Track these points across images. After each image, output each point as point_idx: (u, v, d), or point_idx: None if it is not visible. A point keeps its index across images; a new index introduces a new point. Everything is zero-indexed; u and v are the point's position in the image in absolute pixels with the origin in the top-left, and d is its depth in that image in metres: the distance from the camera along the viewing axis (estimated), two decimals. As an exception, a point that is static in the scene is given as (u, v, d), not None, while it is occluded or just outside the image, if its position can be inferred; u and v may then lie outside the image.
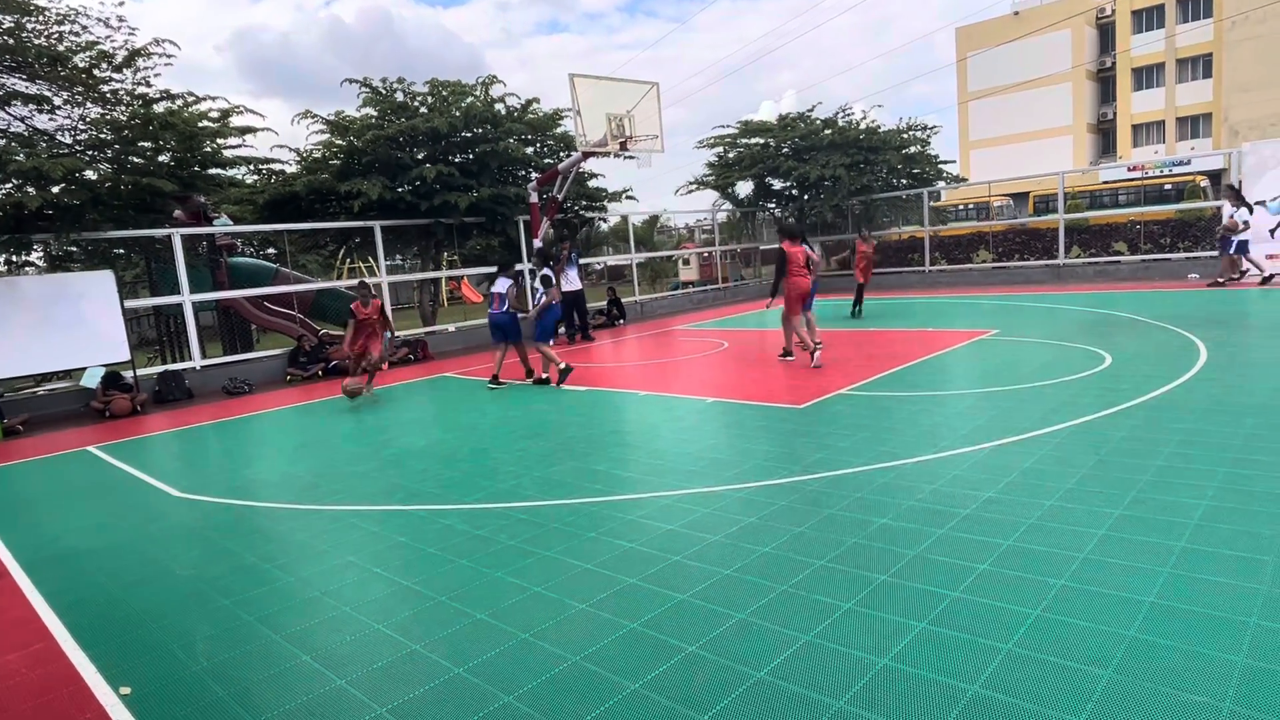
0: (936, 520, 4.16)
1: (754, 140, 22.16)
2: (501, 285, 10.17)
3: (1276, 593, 3.10)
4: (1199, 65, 42.88)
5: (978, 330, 11.00)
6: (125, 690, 3.17)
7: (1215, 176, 34.87)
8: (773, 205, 23.78)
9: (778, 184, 22.74)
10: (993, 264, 19.64)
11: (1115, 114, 46.53)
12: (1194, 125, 44.05)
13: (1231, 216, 14.74)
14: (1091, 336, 9.70)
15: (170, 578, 4.40)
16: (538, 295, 10.15)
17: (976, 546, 3.78)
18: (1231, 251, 14.75)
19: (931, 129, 22.19)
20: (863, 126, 21.58)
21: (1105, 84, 47.55)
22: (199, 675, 3.24)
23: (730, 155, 22.48)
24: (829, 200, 20.97)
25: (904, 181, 22.26)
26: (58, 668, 3.44)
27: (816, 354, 9.27)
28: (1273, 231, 15.05)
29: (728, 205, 23.89)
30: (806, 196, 21.82)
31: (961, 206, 31.92)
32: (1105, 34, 46.92)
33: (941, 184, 23.00)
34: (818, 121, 21.75)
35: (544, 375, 10.06)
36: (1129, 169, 39.58)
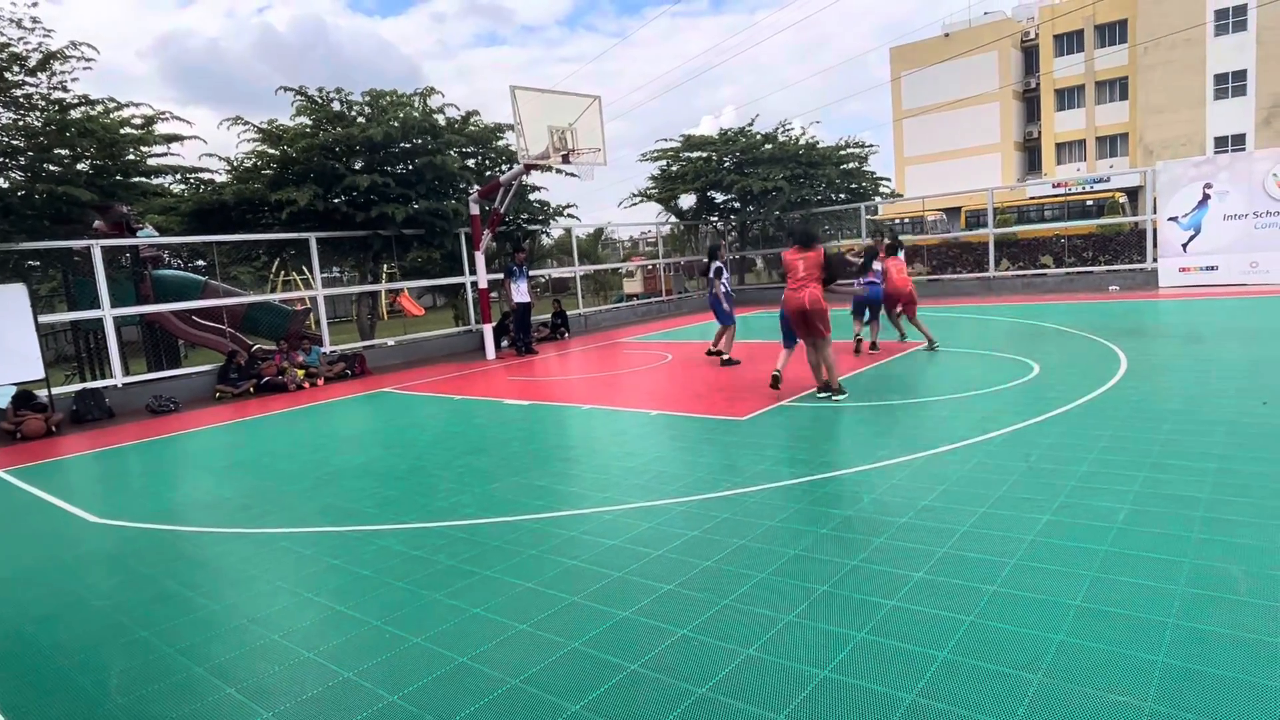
0: (874, 529, 4.22)
1: (696, 154, 22.40)
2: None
3: (1192, 593, 3.23)
4: (1116, 88, 45.22)
5: (913, 342, 11.28)
6: (29, 733, 2.97)
7: (1133, 193, 36.79)
8: (715, 218, 24.06)
9: (720, 197, 23.03)
10: (928, 277, 20.22)
11: (1040, 133, 48.65)
12: (1112, 144, 46.37)
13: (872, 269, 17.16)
14: (1021, 346, 10.05)
15: (84, 609, 4.15)
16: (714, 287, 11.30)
17: (913, 555, 3.84)
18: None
19: (869, 148, 22.81)
20: (802, 142, 22.02)
21: (1030, 104, 49.70)
22: (113, 714, 3.06)
23: (673, 169, 22.67)
24: (770, 212, 21.33)
25: (842, 196, 22.80)
26: (-46, 711, 3.20)
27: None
28: (1184, 245, 15.89)
29: (672, 218, 24.08)
30: (750, 209, 22.14)
31: (897, 221, 32.88)
32: (1030, 56, 49.09)
33: (878, 199, 23.62)
34: (758, 136, 22.12)
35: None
36: (1053, 185, 41.46)
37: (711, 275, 11.19)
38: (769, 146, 21.55)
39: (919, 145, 51.03)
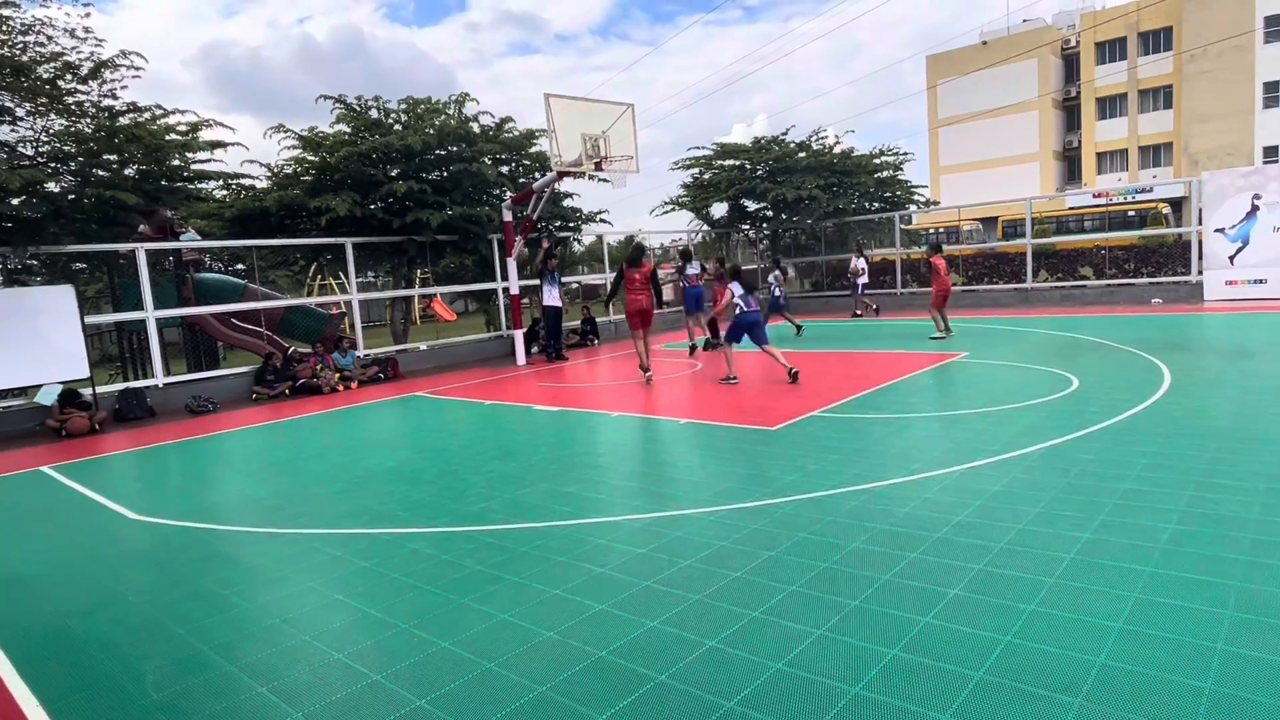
0: (908, 544, 4.14)
1: (729, 162, 22.37)
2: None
3: (1241, 618, 3.11)
4: (1159, 96, 44.27)
5: (948, 353, 11.11)
6: (67, 726, 3.03)
7: (1176, 204, 35.91)
8: (747, 226, 23.98)
9: (752, 205, 22.96)
10: (962, 287, 19.91)
11: (1080, 142, 47.79)
12: (1155, 154, 45.38)
13: (855, 264, 19.07)
14: (1059, 360, 9.84)
15: (122, 605, 4.24)
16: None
17: (948, 571, 3.76)
18: (859, 292, 19.02)
19: (905, 155, 22.58)
20: (836, 150, 21.88)
21: (1070, 112, 48.87)
22: (148, 709, 3.11)
23: (706, 176, 22.65)
24: (803, 220, 21.21)
25: (876, 205, 22.59)
26: (-3, 702, 3.28)
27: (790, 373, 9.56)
28: (1231, 258, 15.46)
29: (704, 226, 24.05)
30: (783, 217, 22.04)
31: (932, 230, 32.47)
32: (1070, 64, 48.28)
33: (913, 207, 23.37)
34: (792, 144, 22.02)
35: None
36: (1094, 195, 40.62)
37: (689, 273, 14.33)
38: (803, 155, 21.44)
39: (954, 154, 50.42)
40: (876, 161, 22.19)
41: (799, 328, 15.47)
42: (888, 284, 21.13)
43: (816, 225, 21.82)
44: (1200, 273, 16.10)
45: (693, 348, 13.49)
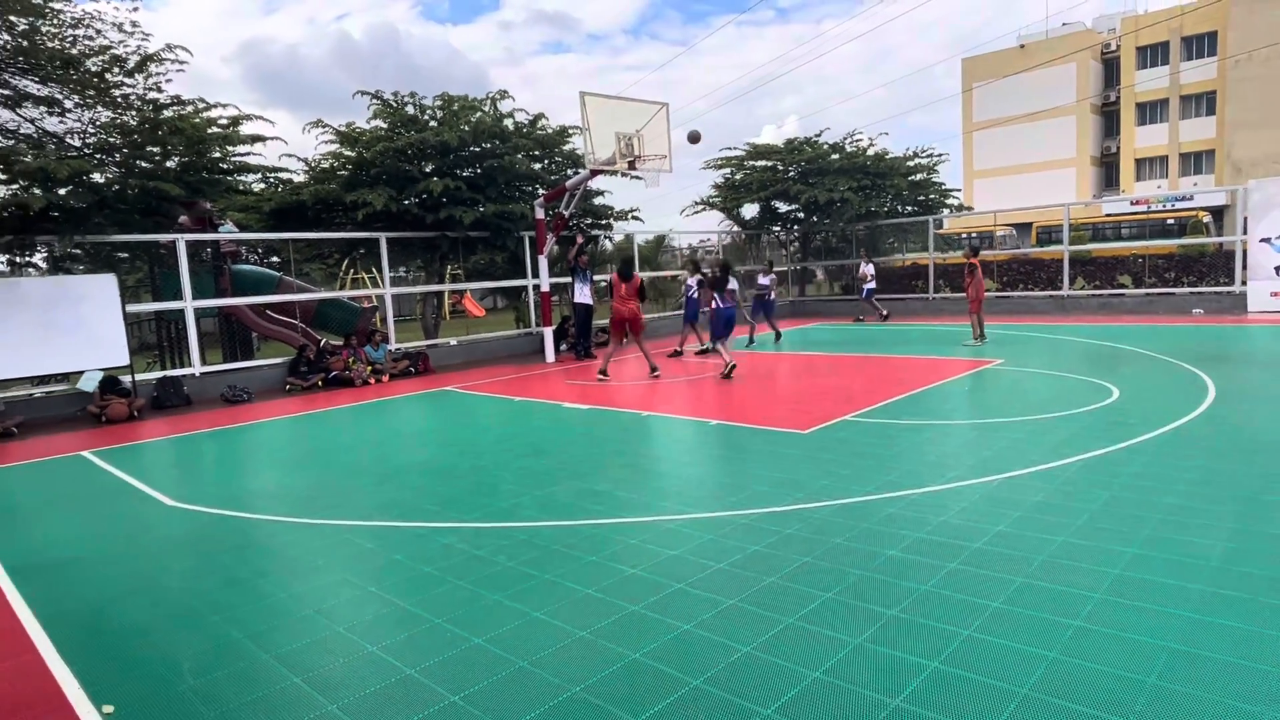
0: (946, 554, 4.06)
1: (761, 163, 22.24)
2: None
3: (1300, 641, 3.00)
4: (1202, 102, 43.25)
5: (982, 360, 10.93)
6: (108, 709, 3.07)
7: (1218, 212, 35.05)
8: (777, 228, 23.83)
9: (784, 206, 22.80)
10: (996, 293, 19.60)
11: (1119, 148, 46.86)
12: (1197, 161, 44.35)
13: (863, 269, 18.98)
14: (1098, 369, 9.64)
15: (160, 591, 4.30)
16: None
17: (988, 583, 3.68)
18: (865, 297, 18.97)
19: (939, 156, 22.29)
20: (870, 152, 21.66)
21: (1109, 118, 47.93)
22: (185, 695, 3.14)
23: (738, 177, 22.54)
24: (835, 223, 21.03)
25: (910, 208, 22.33)
26: (39, 683, 3.33)
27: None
28: (1277, 269, 15.04)
29: (734, 227, 23.94)
30: (815, 219, 21.88)
31: (964, 235, 32.02)
32: (1110, 68, 47.36)
33: (946, 211, 23.06)
34: (825, 146, 21.84)
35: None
36: (1132, 202, 39.80)
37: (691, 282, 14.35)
38: (836, 157, 21.25)
39: (989, 159, 49.69)
40: (910, 164, 21.93)
41: (778, 334, 15.39)
42: (920, 288, 20.87)
43: (847, 228, 21.62)
44: (1244, 283, 15.68)
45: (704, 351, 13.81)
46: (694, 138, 13.32)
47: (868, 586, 3.73)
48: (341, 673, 3.24)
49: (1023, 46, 48.15)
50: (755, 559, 4.17)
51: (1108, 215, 35.59)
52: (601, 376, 11.27)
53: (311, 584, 4.25)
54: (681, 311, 15.09)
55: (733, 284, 11.51)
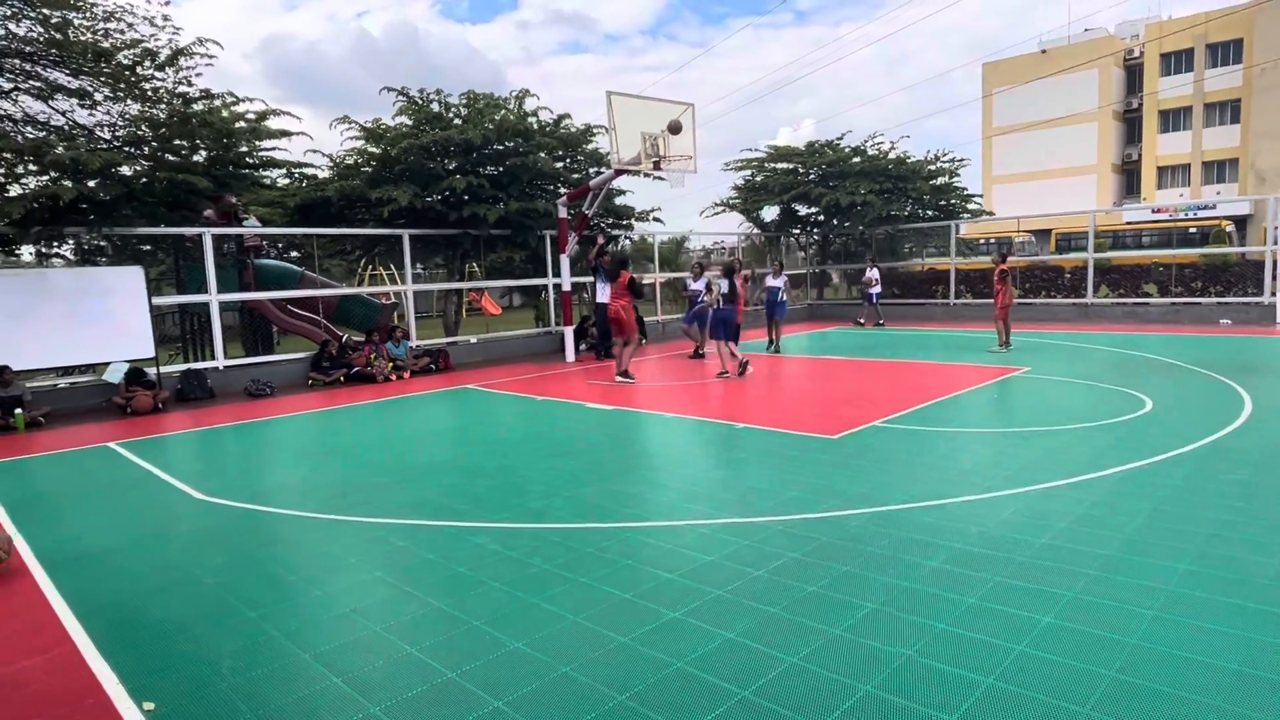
0: (990, 566, 3.99)
1: (782, 165, 22.14)
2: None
3: (1368, 666, 2.91)
4: (1227, 110, 42.75)
5: (1008, 367, 10.81)
6: (149, 706, 3.04)
7: (1241, 222, 34.62)
8: (797, 230, 23.72)
9: (803, 209, 22.69)
10: (1019, 300, 19.43)
11: (1140, 155, 46.38)
12: (1220, 170, 43.83)
13: (868, 274, 18.82)
14: (1127, 379, 9.50)
15: (194, 585, 4.28)
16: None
17: (1037, 597, 3.61)
18: (872, 302, 18.79)
19: (960, 160, 22.13)
20: (891, 156, 21.53)
21: (1131, 125, 47.45)
22: (225, 693, 3.11)
23: (758, 179, 22.45)
24: (856, 226, 20.93)
25: (930, 213, 22.18)
26: (79, 677, 3.31)
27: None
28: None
29: (754, 229, 23.85)
30: (835, 222, 21.77)
31: (983, 240, 31.73)
32: (1133, 75, 46.89)
33: (967, 216, 22.89)
34: (846, 149, 21.72)
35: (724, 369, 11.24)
36: (1153, 210, 39.36)
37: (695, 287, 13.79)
38: (857, 160, 21.14)
39: (1008, 164, 49.28)
40: (932, 167, 21.78)
41: (771, 342, 14.34)
42: (940, 294, 20.72)
43: (867, 231, 21.51)
44: (1274, 294, 15.47)
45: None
46: (675, 128, 13.04)
47: (913, 598, 3.66)
48: (382, 674, 3.20)
49: (1044, 52, 47.75)
50: (794, 566, 4.11)
51: (1128, 223, 35.25)
52: (622, 378, 11.09)
53: (345, 582, 4.23)
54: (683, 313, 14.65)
55: (724, 286, 11.11)
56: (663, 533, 4.76)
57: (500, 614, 3.71)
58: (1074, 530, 4.44)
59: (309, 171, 14.87)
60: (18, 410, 9.42)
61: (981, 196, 25.05)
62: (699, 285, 13.71)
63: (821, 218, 22.34)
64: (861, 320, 19.05)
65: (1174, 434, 6.59)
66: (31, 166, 10.14)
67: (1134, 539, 4.27)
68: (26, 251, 12.02)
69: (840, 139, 22.02)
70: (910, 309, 20.91)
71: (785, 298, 14.65)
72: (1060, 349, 12.87)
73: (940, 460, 6.19)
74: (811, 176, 21.45)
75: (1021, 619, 3.40)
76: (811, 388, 10.36)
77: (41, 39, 9.92)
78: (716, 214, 23.34)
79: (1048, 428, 7.09)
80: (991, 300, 13.30)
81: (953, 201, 22.20)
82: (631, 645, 3.34)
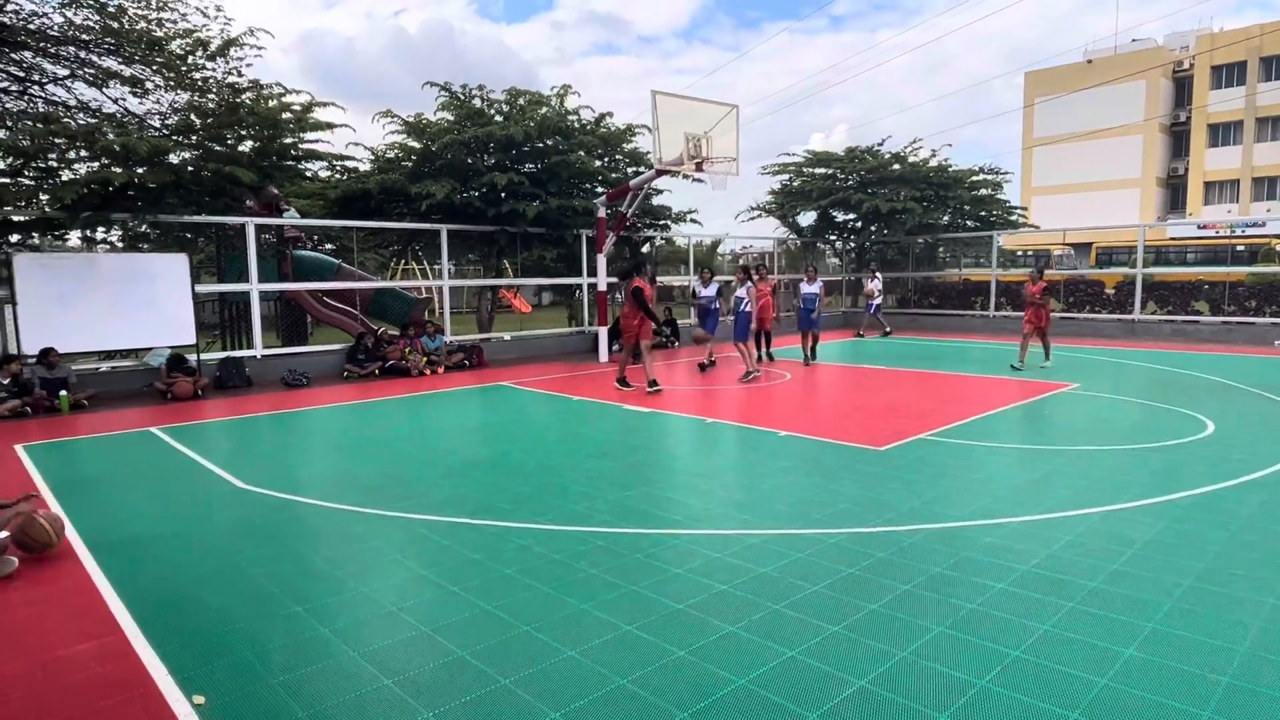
0: (1060, 591, 3.80)
1: (820, 170, 21.90)
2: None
3: None
4: (1280, 126, 41.61)
5: (1057, 383, 10.51)
6: (199, 700, 2.98)
7: (1293, 240, 33.57)
8: (833, 236, 23.46)
9: (841, 216, 22.43)
10: (1060, 314, 19.03)
11: (1187, 169, 45.32)
12: (1270, 186, 42.70)
13: (868, 286, 18.76)
14: (1183, 398, 9.19)
15: (238, 575, 4.23)
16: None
17: (1114, 627, 3.42)
18: (872, 312, 18.72)
19: (1004, 174, 21.75)
20: (933, 164, 21.20)
21: (1178, 138, 46.41)
22: (276, 690, 3.04)
23: (795, 184, 22.23)
24: (894, 234, 20.64)
25: (970, 223, 21.81)
26: (127, 665, 3.26)
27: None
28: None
29: (790, 234, 23.62)
30: (873, 229, 21.48)
31: (1021, 253, 31.14)
32: (1181, 88, 45.88)
33: (1009, 229, 22.48)
34: (886, 155, 21.43)
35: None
36: (1199, 226, 38.39)
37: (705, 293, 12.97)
38: (896, 167, 20.84)
39: (1048, 175, 48.40)
40: (975, 179, 21.42)
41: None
42: (980, 305, 20.35)
43: (905, 240, 21.19)
44: (1332, 316, 14.94)
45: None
46: None
47: (980, 621, 3.50)
48: (434, 677, 3.11)
49: (1090, 61, 46.87)
50: (852, 583, 3.96)
51: (1172, 239, 34.38)
52: (651, 388, 10.23)
53: (391, 579, 4.15)
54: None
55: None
56: (711, 541, 4.63)
57: (551, 620, 3.61)
58: (1147, 556, 4.24)
59: (350, 165, 14.95)
60: (63, 392, 9.53)
61: (1025, 209, 24.59)
62: (709, 291, 12.82)
63: (859, 224, 22.06)
64: (861, 332, 18.66)
65: (1242, 458, 6.32)
66: (83, 152, 10.27)
67: (1213, 568, 4.06)
68: (74, 237, 12.20)
69: (880, 144, 21.74)
70: (947, 320, 20.56)
71: (820, 305, 13.77)
72: (1106, 365, 12.52)
73: (995, 477, 5.99)
74: (850, 182, 21.19)
75: (1102, 650, 3.22)
76: (852, 397, 10.16)
77: (97, 26, 10.04)
78: (753, 218, 23.17)
79: (1105, 447, 6.85)
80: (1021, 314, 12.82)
81: (995, 213, 21.82)
82: (689, 659, 3.22)
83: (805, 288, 13.58)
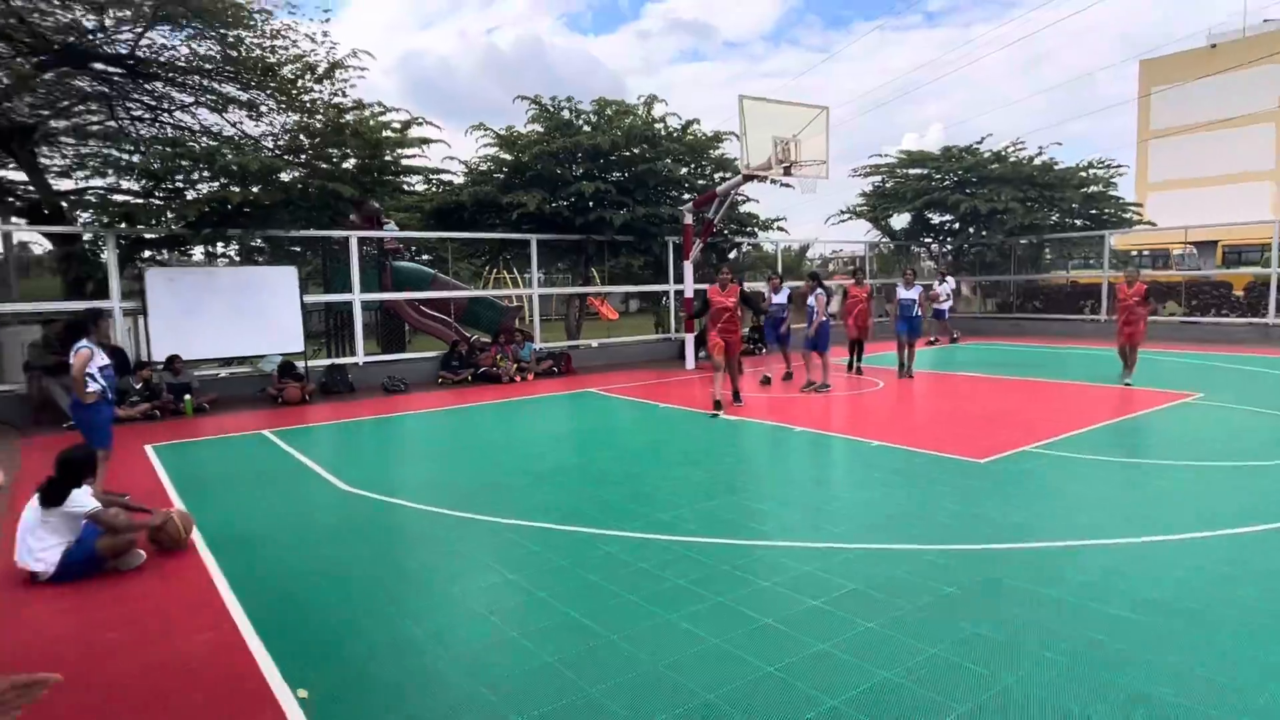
0: (1188, 619, 3.51)
1: (914, 171, 21.19)
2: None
3: None
4: None
5: (1179, 392, 9.77)
6: (303, 694, 3.11)
7: None
8: (929, 239, 22.64)
9: (936, 218, 21.63)
10: (1181, 318, 17.71)
11: (1327, 160, 41.42)
12: None
13: (934, 290, 17.29)
14: (1328, 411, 8.37)
15: (343, 576, 4.41)
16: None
17: (1253, 663, 3.12)
18: (938, 318, 17.35)
19: (1118, 168, 20.46)
20: (1037, 162, 20.16)
21: (1317, 126, 42.47)
22: (374, 689, 3.14)
23: (888, 185, 21.59)
24: (994, 235, 19.72)
25: (1079, 222, 20.62)
26: (239, 657, 3.44)
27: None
28: None
29: (882, 238, 22.96)
30: (971, 231, 20.61)
31: (1135, 253, 29.20)
32: (1321, 71, 41.98)
33: (1123, 228, 21.11)
34: (985, 154, 20.54)
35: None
36: (1342, 222, 35.03)
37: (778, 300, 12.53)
38: (996, 166, 19.93)
39: (1165, 170, 45.20)
40: (1083, 175, 20.23)
41: (902, 366, 12.20)
42: (1090, 309, 19.19)
43: (1007, 241, 20.21)
44: None
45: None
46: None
47: (1099, 652, 3.25)
48: (523, 683, 3.14)
49: (1214, 46, 43.60)
50: (953, 603, 3.77)
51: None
52: (736, 402, 9.80)
53: (481, 582, 4.23)
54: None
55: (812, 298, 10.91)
56: (801, 554, 4.51)
57: (638, 629, 3.58)
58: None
59: (445, 178, 15.48)
60: (187, 396, 10.24)
61: (1140, 206, 23.06)
62: (780, 298, 12.34)
63: (956, 226, 21.20)
64: (933, 339, 17.62)
65: (1399, 478, 5.69)
66: (205, 173, 11.03)
67: (1368, 601, 3.65)
68: (197, 252, 13.10)
69: (979, 143, 20.85)
70: (1053, 324, 19.48)
71: (920, 312, 12.41)
72: (1235, 373, 11.56)
73: (1109, 494, 5.60)
74: (947, 182, 20.41)
75: (1238, 687, 2.94)
76: (949, 406, 9.73)
77: (219, 56, 10.78)
78: (843, 221, 22.63)
79: (1236, 463, 6.30)
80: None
81: (1106, 211, 20.54)
82: (781, 677, 3.13)
83: (903, 292, 12.25)
